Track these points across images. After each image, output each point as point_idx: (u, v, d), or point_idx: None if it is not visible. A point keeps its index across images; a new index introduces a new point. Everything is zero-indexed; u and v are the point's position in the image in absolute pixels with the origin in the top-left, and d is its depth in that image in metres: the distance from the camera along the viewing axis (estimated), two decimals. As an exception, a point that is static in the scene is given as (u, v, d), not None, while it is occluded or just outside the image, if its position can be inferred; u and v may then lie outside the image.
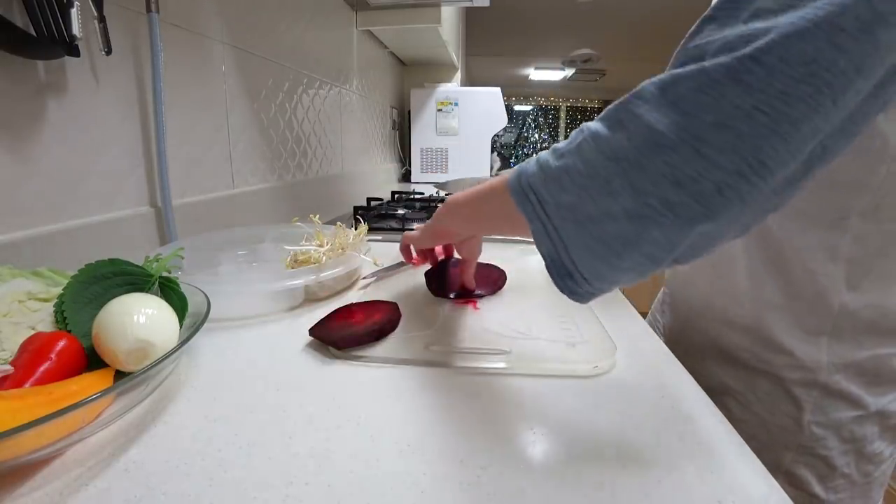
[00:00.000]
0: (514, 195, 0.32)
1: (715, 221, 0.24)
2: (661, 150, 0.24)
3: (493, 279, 0.61)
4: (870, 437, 0.47)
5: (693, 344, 0.59)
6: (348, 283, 0.65)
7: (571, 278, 0.30)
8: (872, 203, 0.43)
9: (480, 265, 0.60)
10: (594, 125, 0.28)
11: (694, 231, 0.25)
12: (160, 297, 0.42)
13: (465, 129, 2.09)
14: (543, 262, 0.32)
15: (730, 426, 0.34)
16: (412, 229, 0.59)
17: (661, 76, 0.25)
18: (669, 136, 0.24)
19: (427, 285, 0.59)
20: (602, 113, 0.29)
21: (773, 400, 0.50)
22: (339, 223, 0.68)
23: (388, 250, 0.80)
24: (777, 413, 0.49)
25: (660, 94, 0.25)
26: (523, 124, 7.16)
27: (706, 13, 0.27)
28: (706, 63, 0.23)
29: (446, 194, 0.94)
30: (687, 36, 0.28)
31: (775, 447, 0.50)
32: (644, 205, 0.25)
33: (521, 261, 0.75)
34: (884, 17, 0.21)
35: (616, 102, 0.28)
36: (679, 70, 0.24)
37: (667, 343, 0.49)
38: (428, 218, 1.10)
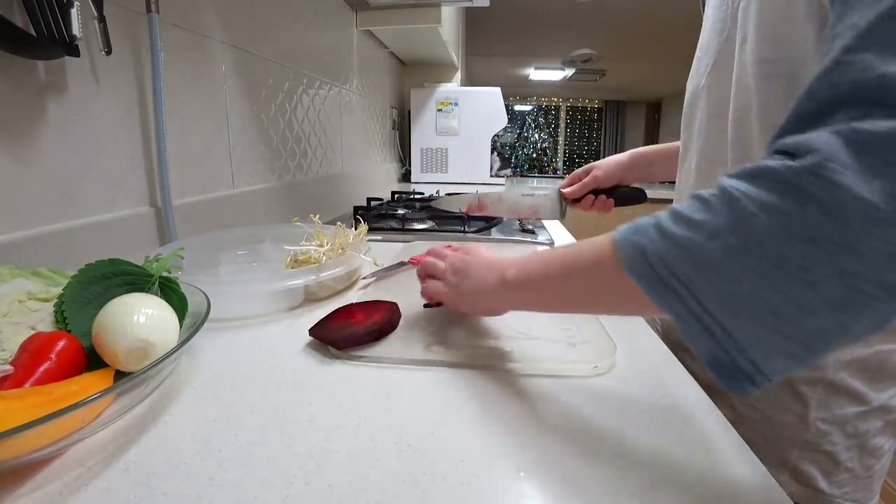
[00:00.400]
0: (641, 279, 0.27)
1: None
2: (877, 224, 0.20)
3: None
4: (872, 431, 0.48)
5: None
6: (348, 283, 0.65)
7: (749, 380, 0.25)
8: None
9: None
10: (755, 192, 0.23)
11: None
12: (160, 297, 0.42)
13: (465, 129, 2.09)
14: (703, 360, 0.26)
15: (730, 426, 0.34)
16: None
17: (847, 132, 0.21)
18: (885, 207, 0.20)
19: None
20: (750, 172, 0.24)
21: (778, 397, 0.50)
22: (339, 223, 0.68)
23: (388, 250, 0.81)
24: (782, 410, 0.50)
25: (858, 159, 0.21)
26: (523, 124, 7.16)
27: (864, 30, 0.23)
28: None
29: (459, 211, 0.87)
30: (840, 55, 0.23)
31: (782, 444, 0.50)
32: (856, 290, 0.21)
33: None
34: None
35: (776, 164, 0.23)
36: (869, 126, 0.21)
37: (668, 342, 0.49)
38: (429, 218, 1.11)
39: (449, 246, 0.58)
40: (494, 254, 0.47)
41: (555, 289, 0.37)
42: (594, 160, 0.76)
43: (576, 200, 0.74)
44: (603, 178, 0.72)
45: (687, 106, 0.57)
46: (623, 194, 0.73)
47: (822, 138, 0.22)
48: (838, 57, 0.23)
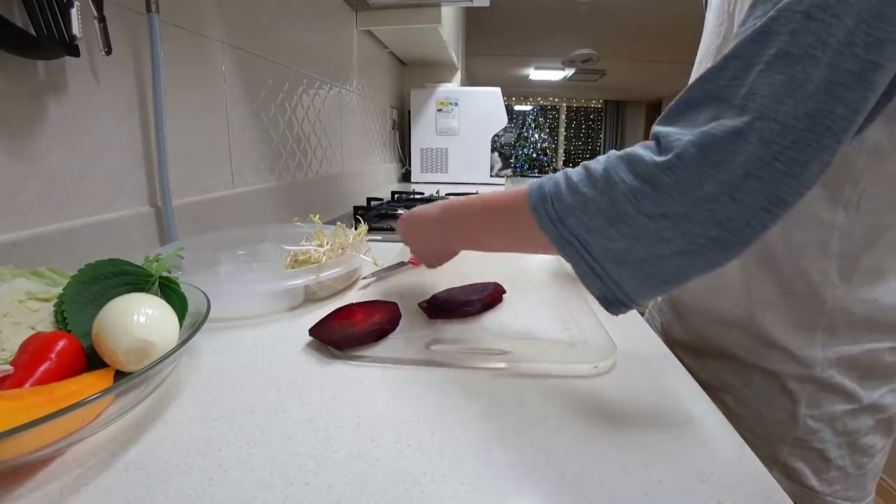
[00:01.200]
0: (549, 235, 0.35)
1: (746, 245, 0.30)
2: (707, 202, 0.29)
3: (489, 298, 0.56)
4: (863, 430, 0.48)
5: (690, 341, 0.59)
6: (348, 283, 0.65)
7: (624, 305, 0.35)
8: (854, 196, 0.44)
9: (476, 285, 0.59)
10: (629, 180, 0.32)
11: (730, 255, 0.31)
12: (160, 297, 0.42)
13: (465, 129, 2.09)
14: (590, 294, 0.36)
15: (730, 426, 0.34)
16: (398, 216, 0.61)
17: (696, 135, 0.30)
18: (711, 190, 0.29)
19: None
20: (628, 158, 0.32)
21: (769, 395, 0.50)
22: (339, 223, 0.68)
23: (388, 250, 0.81)
24: (773, 407, 0.50)
25: (702, 156, 0.29)
26: (523, 124, 7.16)
27: (719, 63, 0.31)
28: (738, 124, 0.29)
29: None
30: (710, 73, 0.32)
31: (772, 441, 0.50)
32: (692, 243, 0.30)
33: (522, 260, 0.75)
34: (876, 64, 0.27)
35: (646, 156, 0.31)
36: (713, 130, 0.29)
37: (664, 341, 0.49)
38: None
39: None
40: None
41: (483, 225, 0.46)
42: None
43: None
44: None
45: None
46: None
47: (682, 140, 0.30)
48: (720, 63, 0.31)
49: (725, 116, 0.29)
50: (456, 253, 0.56)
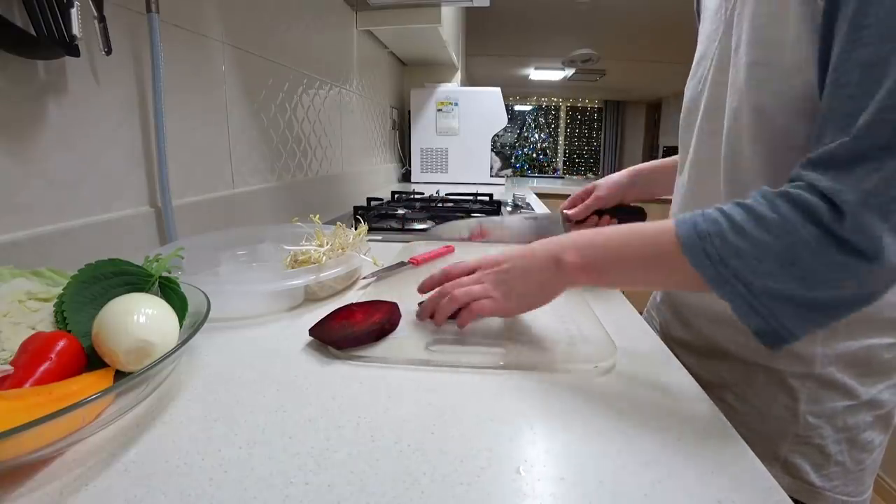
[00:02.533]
0: (705, 271, 0.36)
1: None
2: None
3: None
4: (862, 426, 0.48)
5: (689, 340, 0.59)
6: (348, 283, 0.65)
7: (784, 342, 0.35)
8: None
9: None
10: (807, 232, 0.33)
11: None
12: (160, 297, 0.42)
13: (465, 129, 2.09)
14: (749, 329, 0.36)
15: (730, 426, 0.34)
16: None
17: (880, 199, 0.31)
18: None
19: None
20: (804, 206, 0.33)
21: (769, 392, 0.51)
22: (339, 223, 0.68)
23: (388, 250, 0.81)
24: (773, 404, 0.50)
25: (885, 223, 0.31)
26: (523, 124, 7.16)
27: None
28: None
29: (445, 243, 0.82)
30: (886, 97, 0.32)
31: (772, 437, 0.50)
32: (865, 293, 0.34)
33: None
34: None
35: (829, 217, 0.33)
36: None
37: (666, 342, 0.49)
38: (430, 218, 1.11)
39: (444, 272, 0.51)
40: (513, 248, 0.47)
41: (622, 272, 0.42)
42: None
43: (579, 222, 0.74)
44: (605, 199, 0.72)
45: (684, 114, 0.57)
46: (624, 214, 0.73)
47: (853, 200, 0.32)
48: (884, 101, 0.31)
49: None
50: (555, 297, 0.45)
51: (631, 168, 0.74)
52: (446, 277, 0.49)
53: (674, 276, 0.39)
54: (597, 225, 0.74)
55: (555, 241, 0.44)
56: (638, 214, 0.73)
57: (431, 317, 0.48)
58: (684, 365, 0.44)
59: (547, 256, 0.44)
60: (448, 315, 0.46)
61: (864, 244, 0.31)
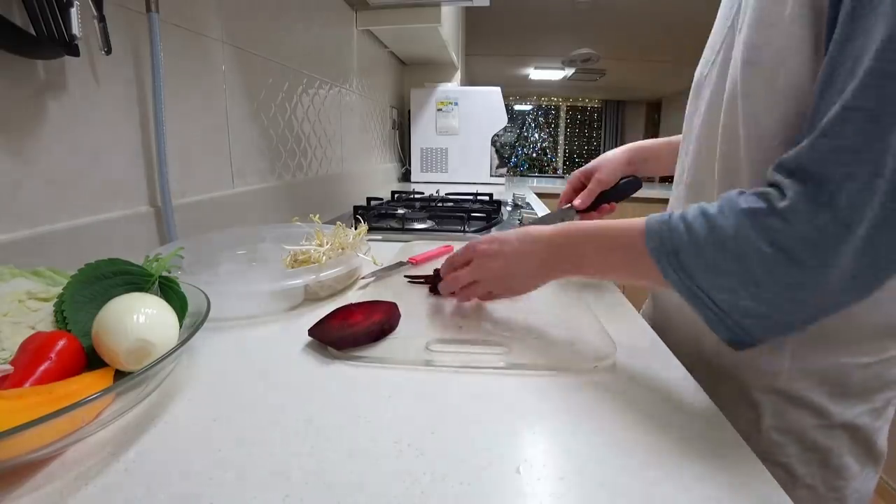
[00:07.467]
0: (671, 280, 0.37)
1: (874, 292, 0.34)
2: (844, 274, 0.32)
3: None
4: (836, 449, 0.46)
5: (673, 351, 0.58)
6: (348, 282, 0.65)
7: (750, 345, 0.37)
8: None
9: None
10: (764, 247, 0.33)
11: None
12: (160, 296, 0.42)
13: (465, 129, 2.09)
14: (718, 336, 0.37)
15: (730, 426, 0.34)
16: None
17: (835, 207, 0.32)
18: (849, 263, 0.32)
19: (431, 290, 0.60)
20: (757, 220, 0.34)
21: (734, 405, 0.47)
22: (339, 223, 0.68)
23: (388, 250, 0.81)
24: (738, 418, 0.48)
25: (851, 235, 0.31)
26: (523, 124, 7.16)
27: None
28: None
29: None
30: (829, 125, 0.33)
31: None
32: (827, 304, 0.34)
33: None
34: None
35: (775, 225, 0.33)
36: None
37: (665, 341, 0.49)
38: (429, 218, 1.11)
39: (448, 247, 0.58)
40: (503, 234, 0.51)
41: (596, 264, 0.45)
42: (594, 160, 0.75)
43: (586, 210, 0.72)
44: (607, 182, 0.70)
45: (692, 94, 0.55)
46: (623, 190, 0.72)
47: (807, 210, 0.32)
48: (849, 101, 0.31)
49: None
50: (538, 286, 0.51)
51: (629, 145, 0.72)
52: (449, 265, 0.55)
53: (649, 280, 0.41)
54: (602, 209, 0.72)
55: (525, 231, 0.49)
56: (634, 185, 0.71)
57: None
58: (686, 365, 0.43)
59: (531, 237, 0.49)
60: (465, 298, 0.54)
61: (819, 256, 0.32)
